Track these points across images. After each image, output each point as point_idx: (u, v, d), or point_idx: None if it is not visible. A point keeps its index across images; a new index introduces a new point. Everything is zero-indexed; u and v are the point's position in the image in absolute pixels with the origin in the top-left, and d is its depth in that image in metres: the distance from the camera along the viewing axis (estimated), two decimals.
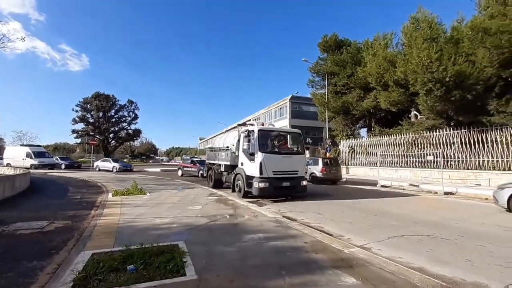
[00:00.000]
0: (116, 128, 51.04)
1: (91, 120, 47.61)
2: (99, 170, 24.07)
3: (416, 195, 10.38)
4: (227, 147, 10.24)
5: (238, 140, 9.13)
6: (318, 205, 7.64)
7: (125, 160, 39.94)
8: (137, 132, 53.53)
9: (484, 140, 12.32)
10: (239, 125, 11.34)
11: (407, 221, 5.76)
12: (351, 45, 22.13)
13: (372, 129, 20.80)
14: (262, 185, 7.69)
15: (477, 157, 12.62)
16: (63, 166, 26.00)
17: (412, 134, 15.98)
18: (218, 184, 11.07)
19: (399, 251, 3.84)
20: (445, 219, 6.02)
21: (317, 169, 14.46)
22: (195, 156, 44.17)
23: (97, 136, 46.44)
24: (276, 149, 8.26)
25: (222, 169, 10.68)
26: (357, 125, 23.51)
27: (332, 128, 23.91)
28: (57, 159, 27.93)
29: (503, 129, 11.74)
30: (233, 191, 9.19)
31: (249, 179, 8.12)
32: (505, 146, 11.59)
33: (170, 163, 59.28)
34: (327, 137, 22.27)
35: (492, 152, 12.02)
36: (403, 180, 14.46)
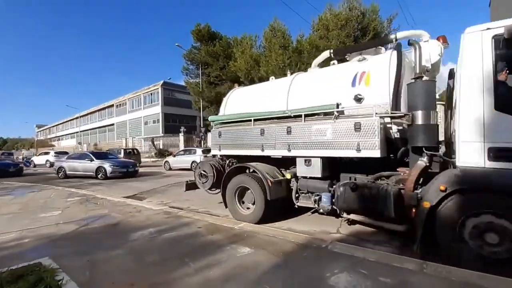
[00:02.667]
0: None
1: None
2: None
3: None
4: (360, 97, 3.71)
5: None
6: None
7: None
8: None
9: None
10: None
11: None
12: (222, 39, 23.31)
13: None
14: None
15: None
16: None
17: None
18: (271, 209, 4.54)
19: (272, 219, 4.80)
20: None
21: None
22: (31, 149, 33.20)
23: None
24: None
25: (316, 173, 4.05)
26: None
27: (206, 117, 24.64)
28: None
29: None
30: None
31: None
32: None
33: None
34: (202, 126, 22.80)
35: None
36: None
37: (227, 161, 5.41)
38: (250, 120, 4.76)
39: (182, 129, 25.58)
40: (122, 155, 18.75)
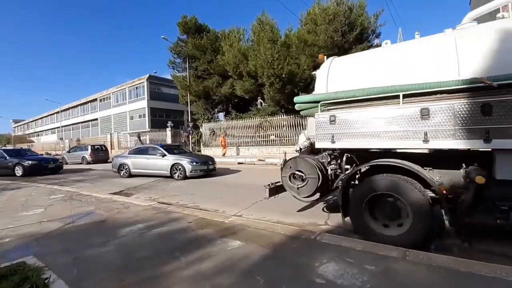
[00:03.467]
0: None
1: None
2: None
3: (262, 167, 12.92)
4: None
5: None
6: (193, 186, 7.91)
7: None
8: None
9: (302, 123, 17.00)
10: None
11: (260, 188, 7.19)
12: (210, 32, 22.90)
13: (229, 113, 23.06)
14: None
15: (299, 135, 17.22)
16: None
17: (259, 118, 19.25)
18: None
19: (262, 212, 4.87)
20: None
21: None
22: (7, 145, 31.90)
23: None
24: None
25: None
26: (216, 110, 25.21)
27: (194, 111, 24.33)
28: None
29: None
30: None
31: None
32: None
33: None
34: (189, 120, 22.49)
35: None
36: (254, 156, 17.43)
37: (344, 157, 3.87)
38: (394, 97, 3.21)
39: (169, 123, 25.10)
40: (89, 151, 19.64)
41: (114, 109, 37.01)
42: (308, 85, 16.80)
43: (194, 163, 9.59)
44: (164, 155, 10.17)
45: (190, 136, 21.83)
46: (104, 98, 39.32)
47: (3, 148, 16.80)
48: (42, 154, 19.94)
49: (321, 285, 2.25)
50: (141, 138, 25.62)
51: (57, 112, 48.11)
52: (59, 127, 46.12)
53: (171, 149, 10.88)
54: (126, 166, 10.74)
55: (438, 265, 2.50)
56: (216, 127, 22.10)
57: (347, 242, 3.09)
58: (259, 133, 19.07)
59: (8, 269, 2.68)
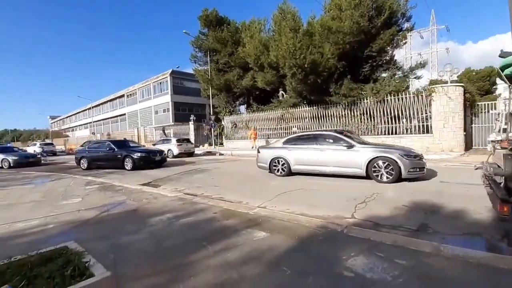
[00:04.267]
0: None
1: None
2: None
3: None
4: None
5: None
6: (211, 178, 8.09)
7: None
8: None
9: (326, 114, 16.52)
10: None
11: (284, 180, 7.15)
12: (230, 24, 22.81)
13: (251, 105, 23.05)
14: None
15: (321, 127, 16.82)
16: None
17: (280, 110, 19.04)
18: None
19: (286, 204, 4.84)
20: (303, 176, 7.86)
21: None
22: (46, 139, 34.34)
23: None
24: None
25: None
26: (238, 102, 25.31)
27: (215, 105, 24.64)
28: None
29: (338, 106, 16.09)
30: None
31: None
32: (338, 119, 16.05)
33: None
34: (211, 114, 22.83)
35: (331, 123, 16.36)
36: None
37: None
38: None
39: (192, 117, 25.71)
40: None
41: (140, 104, 38.59)
42: (332, 75, 16.24)
43: (409, 159, 6.35)
44: (350, 146, 6.93)
45: (212, 129, 22.21)
46: (130, 94, 41.09)
47: (110, 139, 16.57)
48: (144, 146, 18.28)
49: (350, 278, 2.20)
50: (166, 131, 26.52)
51: (89, 108, 51.21)
52: (91, 122, 49.15)
53: (350, 136, 7.37)
54: (282, 161, 7.94)
55: (476, 262, 2.34)
56: (237, 119, 22.24)
57: (377, 236, 2.99)
58: (281, 125, 18.91)
59: (53, 252, 2.92)
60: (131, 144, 13.28)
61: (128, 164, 11.12)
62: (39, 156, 18.05)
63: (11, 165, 14.79)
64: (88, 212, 4.63)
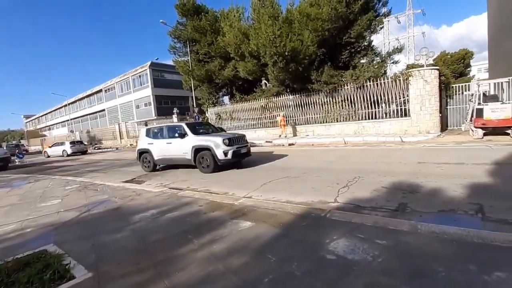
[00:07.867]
0: None
1: None
2: None
3: (270, 148, 12.91)
4: None
5: None
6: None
7: None
8: None
9: (308, 102, 16.65)
10: None
11: (271, 170, 7.21)
12: (209, 13, 22.11)
13: (234, 96, 22.78)
14: None
15: (304, 115, 16.97)
16: None
17: (264, 99, 18.97)
18: None
19: (271, 193, 4.89)
20: (291, 163, 7.99)
21: None
22: (21, 140, 32.91)
23: None
24: None
25: None
26: (221, 93, 24.91)
27: (198, 96, 24.13)
28: None
29: (319, 94, 16.23)
30: None
31: None
32: (320, 106, 16.24)
33: None
34: (195, 106, 22.40)
35: (313, 111, 16.53)
36: (261, 138, 17.39)
37: None
38: None
39: (175, 110, 25.10)
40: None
41: (119, 99, 37.15)
42: (312, 62, 16.27)
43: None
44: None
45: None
46: (109, 89, 39.39)
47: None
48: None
49: (331, 261, 2.27)
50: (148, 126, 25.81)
51: (65, 105, 48.74)
52: (68, 120, 46.92)
53: None
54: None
55: (451, 238, 2.47)
56: (221, 111, 21.98)
57: (358, 218, 3.09)
58: (265, 114, 18.90)
59: (31, 257, 2.82)
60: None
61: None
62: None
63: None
64: (68, 213, 4.47)
